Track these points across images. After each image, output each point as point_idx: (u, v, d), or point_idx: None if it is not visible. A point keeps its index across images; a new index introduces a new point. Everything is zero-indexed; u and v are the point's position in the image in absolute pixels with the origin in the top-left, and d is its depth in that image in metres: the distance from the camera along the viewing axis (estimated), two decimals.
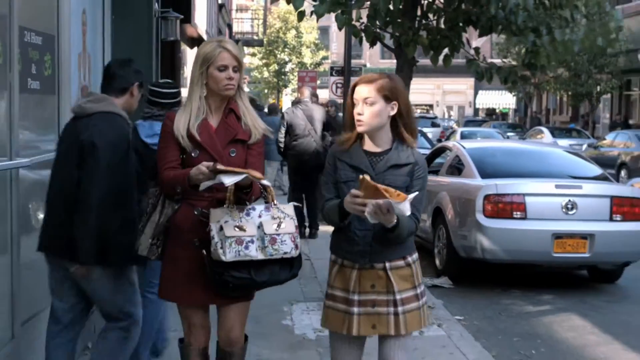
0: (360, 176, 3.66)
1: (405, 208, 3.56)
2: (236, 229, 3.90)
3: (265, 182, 3.94)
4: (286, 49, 46.95)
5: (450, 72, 11.21)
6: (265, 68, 48.33)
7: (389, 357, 3.98)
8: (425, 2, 7.27)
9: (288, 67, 47.06)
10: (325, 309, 4.04)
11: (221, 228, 3.88)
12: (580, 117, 39.97)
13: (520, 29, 6.81)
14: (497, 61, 33.29)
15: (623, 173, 21.98)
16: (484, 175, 9.13)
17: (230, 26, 31.77)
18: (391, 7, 6.79)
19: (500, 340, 7.00)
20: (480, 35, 7.16)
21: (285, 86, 48.49)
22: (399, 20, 6.95)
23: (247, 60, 46.38)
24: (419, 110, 55.03)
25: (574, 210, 8.63)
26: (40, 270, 4.52)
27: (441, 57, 7.78)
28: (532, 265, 9.16)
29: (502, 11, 6.60)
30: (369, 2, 6.82)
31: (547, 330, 7.41)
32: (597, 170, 9.87)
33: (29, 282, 4.67)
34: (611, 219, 8.71)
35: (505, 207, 8.62)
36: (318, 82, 28.15)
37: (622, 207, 8.82)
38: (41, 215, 4.66)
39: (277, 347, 6.11)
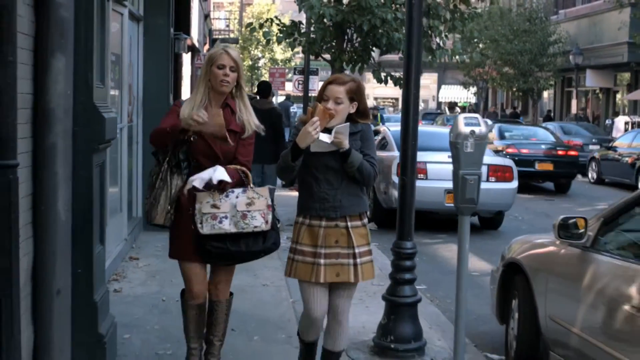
0: (311, 107, 4.44)
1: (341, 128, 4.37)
2: (212, 207, 4.51)
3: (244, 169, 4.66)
4: (259, 46, 50.16)
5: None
6: None
7: (340, 302, 4.66)
8: (349, 31, 10.95)
9: (261, 62, 50.26)
10: (292, 262, 4.61)
11: (200, 207, 4.52)
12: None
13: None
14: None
15: None
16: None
17: (210, 30, 35.07)
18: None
19: None
20: (381, 55, 10.84)
21: (258, 79, 51.82)
22: (331, 44, 10.65)
23: None
24: (382, 104, 58.34)
25: None
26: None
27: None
28: (431, 212, 12.71)
29: (392, 40, 10.29)
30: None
31: (433, 251, 10.97)
32: None
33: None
34: (488, 180, 12.28)
35: None
36: (288, 76, 31.45)
37: (496, 172, 12.41)
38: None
39: None
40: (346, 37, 10.98)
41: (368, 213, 4.74)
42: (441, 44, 11.11)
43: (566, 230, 5.03)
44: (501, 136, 20.38)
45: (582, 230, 5.00)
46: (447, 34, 11.01)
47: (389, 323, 5.65)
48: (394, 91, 64.31)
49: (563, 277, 5.15)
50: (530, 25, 36.27)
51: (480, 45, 38.78)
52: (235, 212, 4.52)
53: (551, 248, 5.49)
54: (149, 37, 10.10)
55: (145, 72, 10.11)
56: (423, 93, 69.75)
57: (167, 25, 10.28)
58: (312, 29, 10.62)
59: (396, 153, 12.49)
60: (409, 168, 5.62)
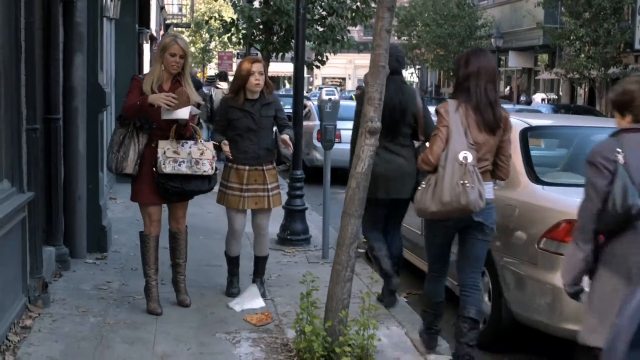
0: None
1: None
2: (174, 153, 5.59)
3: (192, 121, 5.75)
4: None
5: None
6: (192, 45, 53.81)
7: (261, 222, 6.38)
8: (275, 28, 14.07)
9: (212, 45, 52.72)
10: (223, 194, 6.16)
11: (164, 152, 5.55)
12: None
13: (319, 41, 13.66)
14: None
15: None
16: (321, 119, 15.70)
17: (165, 19, 37.81)
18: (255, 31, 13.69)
19: (318, 203, 13.62)
20: None
21: (210, 61, 54.38)
22: (260, 38, 13.80)
23: None
24: (330, 83, 61.15)
25: None
26: None
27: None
28: (346, 169, 15.79)
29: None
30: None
31: (342, 197, 14.06)
32: None
33: None
34: None
35: None
36: (235, 59, 34.28)
37: None
38: None
39: None
40: (272, 32, 14.10)
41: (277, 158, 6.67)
42: (344, 37, 14.42)
43: None
44: None
45: None
46: (349, 28, 14.36)
47: (286, 223, 8.80)
48: (339, 70, 67.49)
49: None
50: (459, 10, 39.50)
51: (417, 29, 42.02)
52: (190, 159, 5.63)
53: None
54: (119, 33, 13.02)
55: (116, 60, 13.00)
56: None
57: (134, 22, 13.21)
58: (244, 25, 13.78)
59: (317, 123, 15.60)
60: (298, 127, 8.73)
